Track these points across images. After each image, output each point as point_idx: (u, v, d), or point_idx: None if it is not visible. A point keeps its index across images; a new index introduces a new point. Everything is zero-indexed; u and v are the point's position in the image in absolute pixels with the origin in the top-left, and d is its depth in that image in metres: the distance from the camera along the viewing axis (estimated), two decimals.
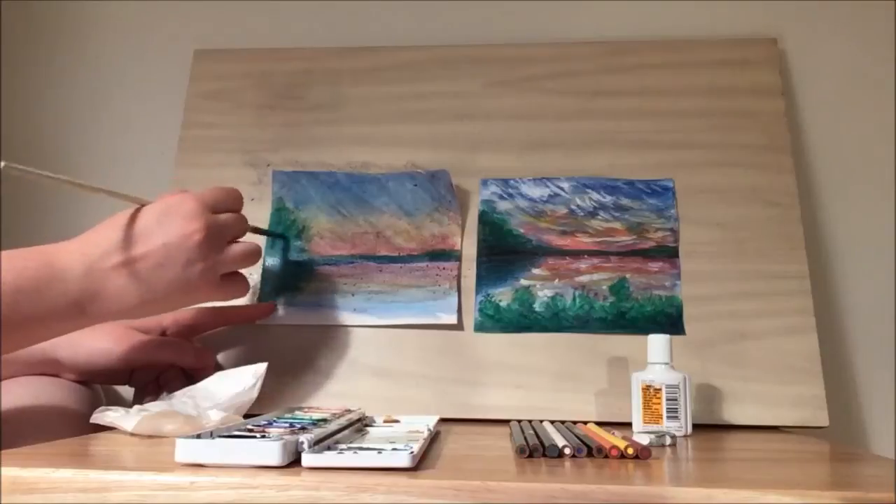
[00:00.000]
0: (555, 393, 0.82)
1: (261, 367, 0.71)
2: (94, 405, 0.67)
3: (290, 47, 1.02)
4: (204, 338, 0.87)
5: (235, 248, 0.70)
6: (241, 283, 0.74)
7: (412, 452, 0.44)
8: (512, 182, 0.92)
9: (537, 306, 0.86)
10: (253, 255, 0.72)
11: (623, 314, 0.85)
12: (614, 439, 0.54)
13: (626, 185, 0.91)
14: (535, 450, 0.50)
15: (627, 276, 0.87)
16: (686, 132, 0.93)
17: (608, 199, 0.91)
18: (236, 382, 0.68)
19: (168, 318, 0.79)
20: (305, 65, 1.00)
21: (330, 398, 0.83)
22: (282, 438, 0.46)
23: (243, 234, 0.73)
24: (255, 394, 0.70)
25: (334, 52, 1.01)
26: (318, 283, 0.89)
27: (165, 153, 1.01)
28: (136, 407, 0.62)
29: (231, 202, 0.72)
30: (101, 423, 0.61)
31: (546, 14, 1.04)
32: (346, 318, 0.86)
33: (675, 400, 0.69)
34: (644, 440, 0.57)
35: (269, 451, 0.44)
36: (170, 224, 0.64)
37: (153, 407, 0.62)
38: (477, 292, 0.87)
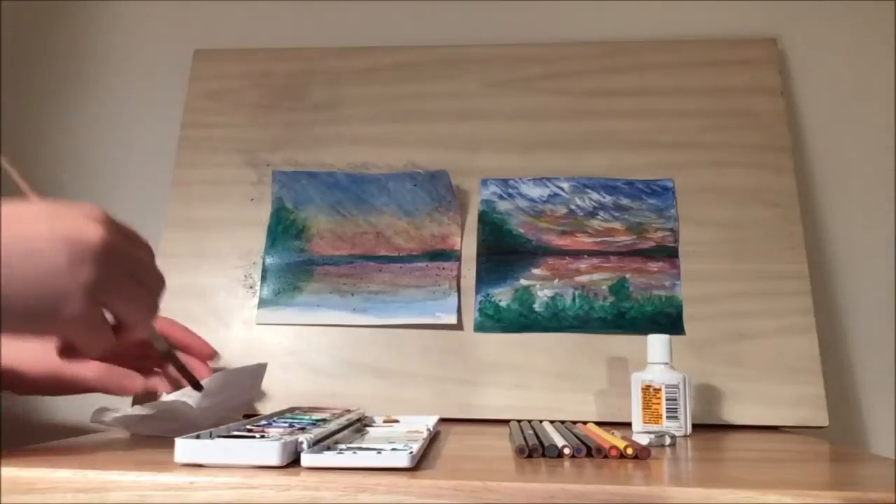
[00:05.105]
0: (555, 393, 0.82)
1: (261, 367, 0.71)
2: None
3: (290, 47, 1.02)
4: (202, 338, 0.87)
5: (138, 289, 0.51)
6: (111, 338, 0.51)
7: (412, 452, 0.44)
8: (512, 182, 0.92)
9: (537, 306, 0.86)
10: (153, 312, 0.53)
11: (623, 314, 0.85)
12: (614, 439, 0.54)
13: (625, 185, 0.91)
14: (534, 450, 0.50)
15: (627, 276, 0.87)
16: (686, 132, 0.93)
17: (608, 199, 0.91)
18: (237, 382, 0.68)
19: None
20: (305, 65, 1.00)
21: (330, 398, 0.83)
22: (281, 438, 0.46)
23: (156, 286, 0.54)
24: (255, 393, 0.70)
25: (334, 52, 1.01)
26: (318, 283, 0.89)
27: (165, 153, 1.01)
28: (136, 406, 0.62)
29: (146, 247, 0.54)
30: (101, 423, 0.61)
31: (546, 14, 1.04)
32: (346, 318, 0.86)
33: (675, 400, 0.69)
34: (643, 440, 0.57)
35: (268, 451, 0.44)
36: (64, 213, 0.47)
37: (152, 407, 0.62)
38: (477, 292, 0.87)
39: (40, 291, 0.45)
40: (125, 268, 0.49)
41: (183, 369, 0.62)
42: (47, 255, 0.45)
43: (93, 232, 0.46)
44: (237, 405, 0.68)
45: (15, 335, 0.47)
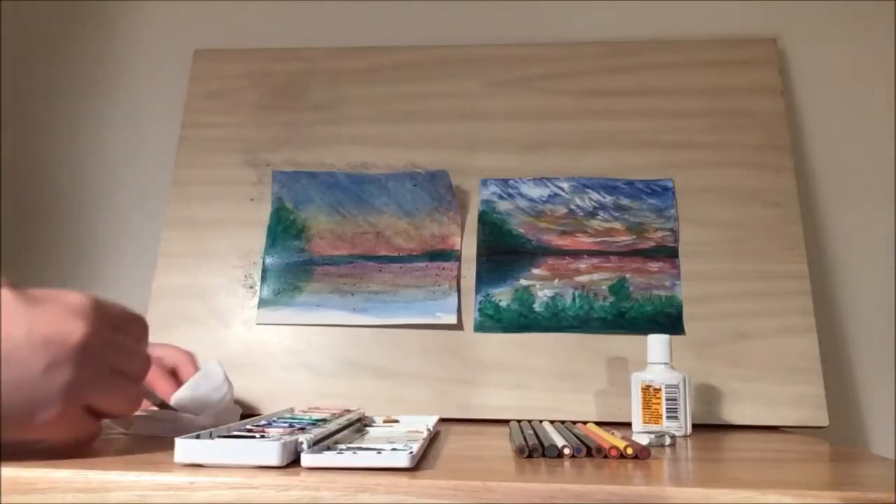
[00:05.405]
0: (555, 393, 0.82)
1: (216, 363, 0.69)
2: None
3: (290, 47, 1.02)
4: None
5: (121, 381, 0.49)
6: (94, 427, 0.50)
7: (412, 453, 0.44)
8: (512, 182, 0.92)
9: (537, 306, 0.86)
10: (137, 401, 0.52)
11: (623, 314, 0.85)
12: (614, 439, 0.54)
13: (625, 185, 0.91)
14: (534, 450, 0.50)
15: (627, 276, 0.87)
16: (686, 132, 0.93)
17: (608, 199, 0.91)
18: (208, 384, 0.66)
19: None
20: (305, 65, 1.00)
21: (330, 398, 0.83)
22: (281, 438, 0.46)
23: (140, 373, 0.52)
24: (230, 388, 0.68)
25: (334, 52, 1.01)
26: (318, 283, 0.89)
27: (165, 153, 1.01)
28: None
29: (135, 328, 0.52)
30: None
31: (546, 14, 1.04)
32: (346, 318, 0.86)
33: (675, 400, 0.69)
34: (643, 440, 0.57)
35: (268, 451, 0.43)
36: (43, 311, 0.45)
37: (150, 409, 0.62)
38: (477, 292, 0.87)
39: (14, 398, 0.43)
40: (107, 361, 0.47)
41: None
42: (23, 359, 0.43)
43: (73, 330, 0.45)
44: (223, 406, 0.67)
45: None
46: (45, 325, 0.44)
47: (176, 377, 0.71)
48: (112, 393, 0.49)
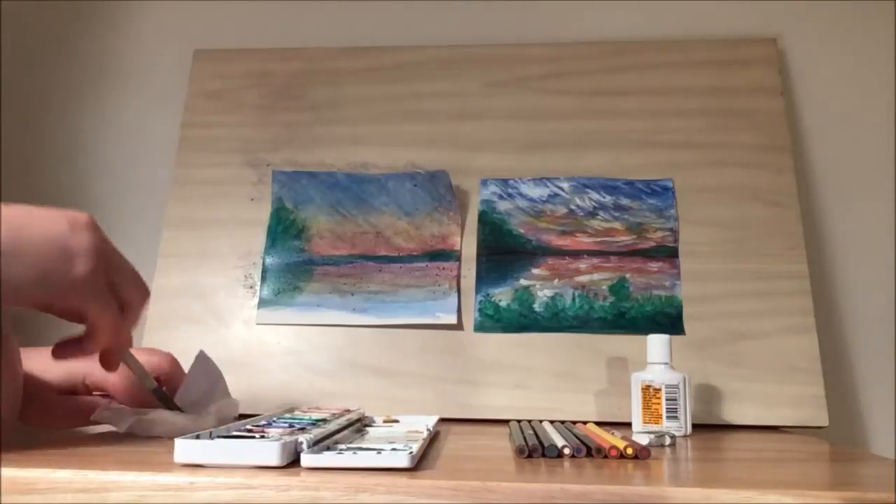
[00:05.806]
0: (555, 393, 0.82)
1: (203, 356, 0.68)
2: None
3: (290, 47, 1.02)
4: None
5: (130, 269, 0.54)
6: (120, 322, 0.53)
7: (411, 453, 0.44)
8: (511, 182, 0.92)
9: (537, 306, 0.86)
10: (146, 295, 0.56)
11: (623, 314, 0.85)
12: (613, 439, 0.54)
13: (625, 185, 0.91)
14: (534, 450, 0.50)
15: (627, 276, 0.87)
16: (686, 132, 0.93)
17: (608, 199, 0.91)
18: (202, 381, 0.66)
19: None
20: (305, 65, 1.00)
21: (330, 398, 0.83)
22: (281, 438, 0.46)
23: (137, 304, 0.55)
24: (221, 377, 0.67)
25: (334, 52, 1.01)
26: (318, 283, 0.89)
27: (165, 153, 1.01)
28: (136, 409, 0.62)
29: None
30: (100, 423, 0.61)
31: (546, 14, 1.04)
32: (346, 318, 0.86)
33: (675, 400, 0.69)
34: (643, 440, 0.57)
35: (268, 451, 0.44)
36: (53, 208, 0.50)
37: (148, 411, 0.62)
38: (477, 292, 0.87)
39: (50, 248, 0.47)
40: (114, 248, 0.53)
41: (171, 404, 0.62)
42: (49, 221, 0.48)
43: (82, 214, 0.50)
44: (220, 393, 0.66)
45: (34, 301, 0.48)
46: (58, 210, 0.49)
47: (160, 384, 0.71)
48: (128, 275, 0.54)
